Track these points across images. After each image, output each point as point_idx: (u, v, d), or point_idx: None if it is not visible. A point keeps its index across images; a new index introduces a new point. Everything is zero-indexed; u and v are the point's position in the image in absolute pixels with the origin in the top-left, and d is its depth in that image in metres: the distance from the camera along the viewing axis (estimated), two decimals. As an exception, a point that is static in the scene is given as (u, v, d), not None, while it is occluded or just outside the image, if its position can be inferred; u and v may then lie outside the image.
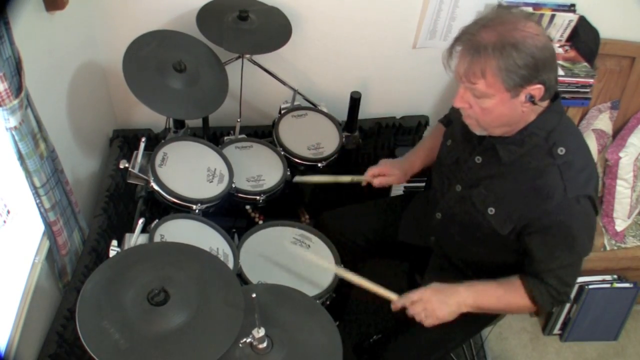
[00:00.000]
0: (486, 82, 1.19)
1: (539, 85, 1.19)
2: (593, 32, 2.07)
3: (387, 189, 2.17)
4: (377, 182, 1.68)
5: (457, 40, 1.23)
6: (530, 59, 1.15)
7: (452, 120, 1.54)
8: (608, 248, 2.29)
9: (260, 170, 1.77)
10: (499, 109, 1.23)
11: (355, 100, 1.96)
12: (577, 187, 1.24)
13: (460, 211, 1.43)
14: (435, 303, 1.34)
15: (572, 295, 2.22)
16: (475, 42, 1.18)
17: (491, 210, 1.34)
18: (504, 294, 1.37)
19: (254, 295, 1.08)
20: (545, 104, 1.26)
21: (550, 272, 1.31)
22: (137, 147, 1.65)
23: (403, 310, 1.42)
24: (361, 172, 2.29)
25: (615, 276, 2.27)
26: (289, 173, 1.79)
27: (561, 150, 1.26)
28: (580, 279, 2.24)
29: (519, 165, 1.31)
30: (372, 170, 1.69)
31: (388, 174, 1.68)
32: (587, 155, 1.31)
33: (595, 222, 1.34)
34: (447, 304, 1.34)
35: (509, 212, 1.32)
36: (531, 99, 1.20)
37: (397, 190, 2.15)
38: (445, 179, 1.49)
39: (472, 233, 1.42)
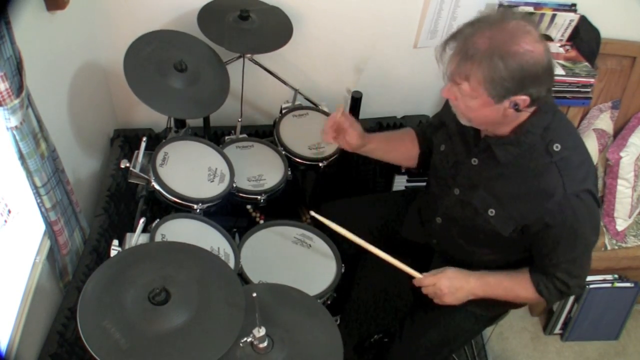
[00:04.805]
0: (470, 86, 1.19)
1: (524, 97, 1.18)
2: (594, 32, 2.07)
3: (389, 185, 2.16)
4: (339, 114, 1.52)
5: (453, 37, 1.22)
6: (517, 73, 1.14)
7: (445, 122, 1.50)
8: (609, 248, 2.29)
9: (261, 170, 1.77)
10: (482, 110, 1.23)
11: (356, 100, 1.96)
12: (576, 183, 1.24)
13: (461, 214, 1.43)
14: (445, 290, 1.40)
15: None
16: (467, 45, 1.17)
17: (492, 212, 1.34)
18: (512, 287, 1.41)
19: (254, 294, 1.08)
20: (532, 109, 1.25)
21: (557, 266, 1.33)
22: (138, 147, 1.65)
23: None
24: (362, 172, 2.27)
25: (616, 276, 2.27)
26: (289, 172, 1.78)
27: (557, 147, 1.25)
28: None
29: (517, 166, 1.30)
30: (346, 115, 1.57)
31: (354, 124, 1.55)
32: (583, 150, 1.31)
33: (599, 214, 1.35)
34: (455, 294, 1.41)
35: (510, 213, 1.32)
36: (515, 107, 1.20)
37: (399, 186, 2.15)
38: (443, 183, 1.49)
39: (473, 235, 1.43)
